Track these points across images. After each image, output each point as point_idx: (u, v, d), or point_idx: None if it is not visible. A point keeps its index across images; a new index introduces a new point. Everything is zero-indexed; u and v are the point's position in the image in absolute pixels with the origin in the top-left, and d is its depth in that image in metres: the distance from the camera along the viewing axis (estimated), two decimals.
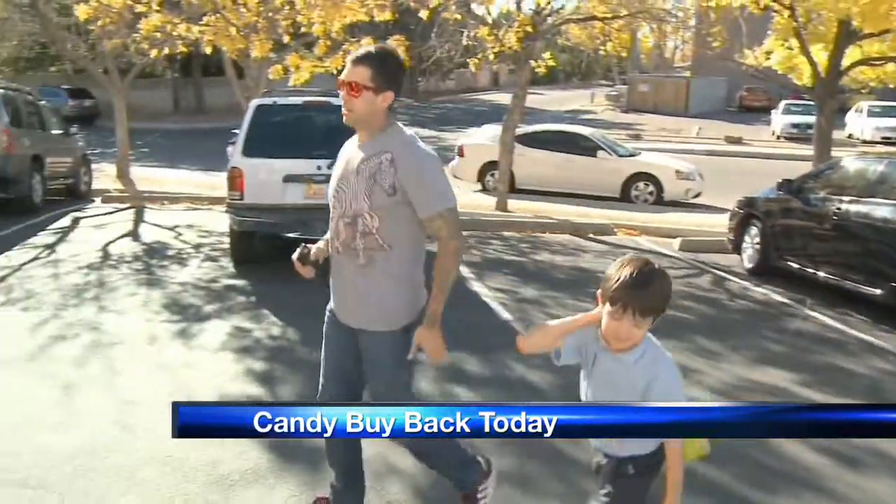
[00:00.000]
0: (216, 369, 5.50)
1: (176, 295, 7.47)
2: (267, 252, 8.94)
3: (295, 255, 3.31)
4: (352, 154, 3.13)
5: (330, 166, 8.06)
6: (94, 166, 15.36)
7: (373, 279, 3.07)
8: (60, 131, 13.93)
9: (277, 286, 7.70)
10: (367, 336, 3.14)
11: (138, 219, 12.09)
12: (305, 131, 8.58)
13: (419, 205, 2.99)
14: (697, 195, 15.86)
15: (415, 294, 3.18)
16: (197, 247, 9.89)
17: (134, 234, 10.73)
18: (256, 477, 3.90)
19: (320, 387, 3.37)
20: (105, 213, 12.64)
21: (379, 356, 3.18)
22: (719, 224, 12.00)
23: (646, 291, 2.33)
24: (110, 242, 9.99)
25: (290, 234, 8.09)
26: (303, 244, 3.34)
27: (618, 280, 2.34)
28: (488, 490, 3.44)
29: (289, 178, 8.09)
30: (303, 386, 5.10)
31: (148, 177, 16.23)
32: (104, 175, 15.97)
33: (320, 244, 3.33)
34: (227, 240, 9.15)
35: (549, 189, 15.94)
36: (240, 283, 8.11)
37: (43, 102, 14.25)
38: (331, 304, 3.31)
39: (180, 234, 10.65)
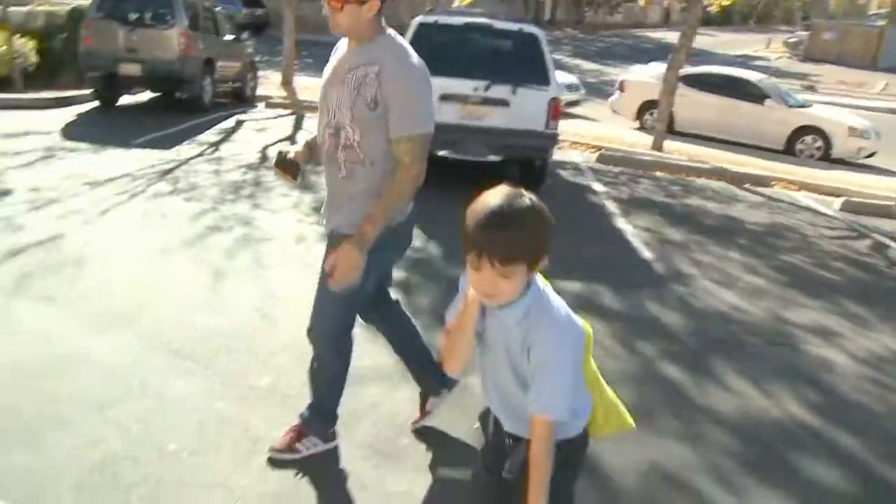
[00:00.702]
0: None
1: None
2: None
3: (274, 160, 3.18)
4: (340, 60, 2.99)
5: (487, 88, 8.24)
6: (260, 73, 15.94)
7: (351, 193, 2.97)
8: (232, 37, 14.47)
9: (425, 200, 7.81)
10: (338, 240, 2.97)
11: (297, 125, 12.51)
12: (465, 52, 8.57)
13: (392, 122, 2.83)
14: (871, 155, 14.79)
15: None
16: None
17: (292, 140, 11.09)
18: (381, 376, 4.05)
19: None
20: (267, 118, 13.13)
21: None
22: (890, 188, 11.22)
23: (505, 233, 1.80)
24: (269, 145, 10.40)
25: (440, 152, 8.21)
26: (279, 150, 3.18)
27: (473, 219, 1.84)
28: (314, 447, 3.36)
29: (445, 97, 8.12)
30: (438, 297, 5.20)
31: (310, 86, 16.66)
32: (268, 82, 16.55)
33: (300, 147, 3.19)
34: None
35: (709, 134, 15.25)
36: None
37: (218, 9, 14.81)
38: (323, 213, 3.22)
39: None
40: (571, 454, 2.12)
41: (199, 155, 9.51)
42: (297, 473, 3.24)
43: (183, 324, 4.51)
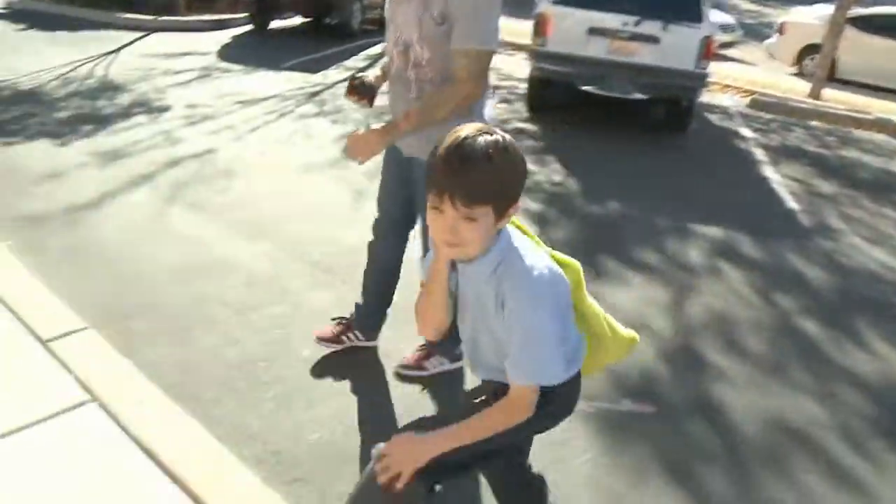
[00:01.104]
0: None
1: None
2: (560, 101, 8.97)
3: (347, 87, 3.08)
4: None
5: (637, 23, 7.99)
6: None
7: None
8: None
9: (566, 135, 7.80)
10: (417, 164, 2.93)
11: None
12: None
13: (456, 34, 2.68)
14: None
15: (479, 112, 2.92)
16: (494, 88, 10.06)
17: None
18: None
19: (375, 214, 3.38)
20: None
21: (420, 179, 2.85)
22: None
23: (469, 169, 1.60)
24: None
25: (586, 87, 8.09)
26: (352, 75, 3.12)
27: (437, 153, 1.65)
28: (440, 366, 3.41)
29: (594, 31, 7.95)
30: (574, 233, 5.19)
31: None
32: None
33: (376, 71, 3.10)
34: (524, 86, 9.30)
35: (876, 83, 14.04)
36: (530, 127, 8.24)
37: None
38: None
39: None
40: (551, 404, 1.91)
41: (346, 80, 9.69)
42: (422, 389, 3.35)
43: (323, 238, 4.71)
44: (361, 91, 3.04)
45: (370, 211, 5.17)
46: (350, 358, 3.50)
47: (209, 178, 5.59)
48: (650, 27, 7.96)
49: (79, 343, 3.32)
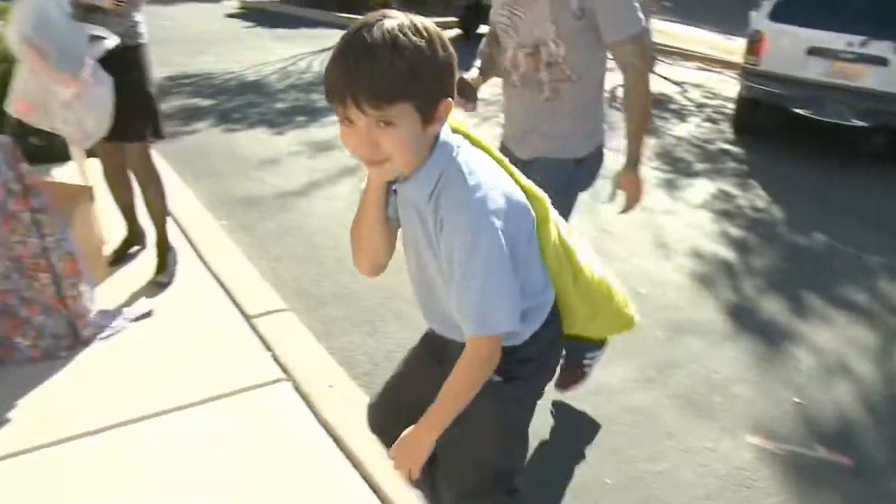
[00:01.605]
0: (693, 223, 5.52)
1: (670, 147, 7.54)
2: (769, 123, 8.55)
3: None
4: None
5: (863, 44, 7.44)
6: None
7: (558, 112, 2.71)
8: None
9: (773, 159, 7.39)
10: (540, 163, 2.76)
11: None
12: (840, 0, 7.80)
13: (608, 26, 2.54)
14: None
15: (596, 126, 2.82)
16: (700, 106, 9.75)
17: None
18: (704, 330, 3.94)
19: None
20: None
21: (542, 180, 2.86)
22: None
23: (371, 61, 1.30)
24: (616, 86, 10.30)
25: (800, 111, 7.62)
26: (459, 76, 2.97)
27: (333, 53, 1.36)
28: (594, 360, 3.17)
29: (814, 51, 7.48)
30: (775, 262, 4.91)
31: (664, 30, 16.24)
32: None
33: (473, 73, 2.92)
34: (731, 105, 8.92)
35: None
36: (735, 149, 7.90)
37: None
38: (505, 141, 2.97)
39: (686, 91, 10.59)
40: (514, 367, 1.67)
41: None
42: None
43: None
44: (466, 94, 2.88)
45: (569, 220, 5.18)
46: None
47: None
48: (879, 48, 7.38)
49: (279, 323, 3.49)
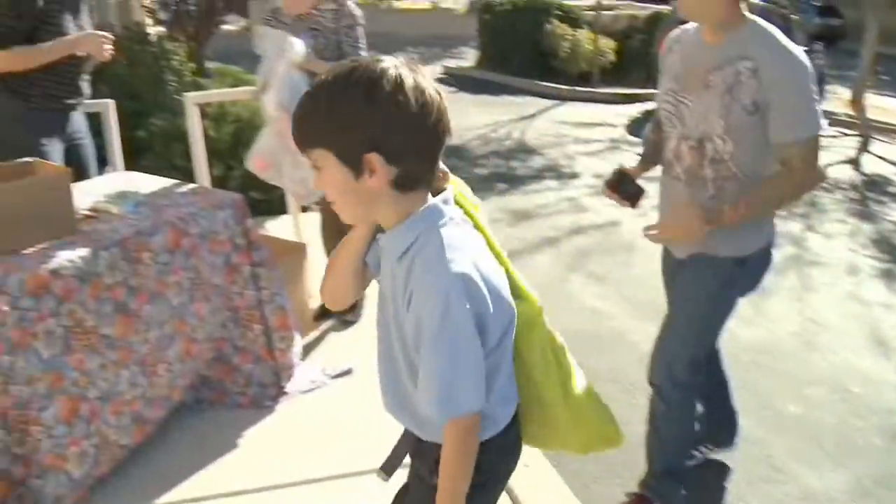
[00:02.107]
0: None
1: (888, 233, 7.02)
2: None
3: (609, 180, 2.69)
4: (693, 57, 2.47)
5: None
6: (826, 87, 15.03)
7: (723, 199, 2.45)
8: (805, 48, 13.84)
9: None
10: (695, 262, 2.58)
11: (862, 148, 11.56)
12: None
13: (778, 125, 2.31)
14: None
15: (759, 226, 2.54)
16: None
17: (854, 163, 10.30)
18: None
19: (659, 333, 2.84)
20: (828, 136, 12.33)
21: (694, 281, 2.62)
22: None
23: (301, 105, 1.36)
24: (829, 165, 9.77)
25: None
26: (618, 167, 2.68)
27: None
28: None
29: None
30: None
31: (882, 106, 15.31)
32: (834, 97, 15.55)
33: (637, 164, 2.77)
34: None
35: None
36: None
37: (794, 17, 14.26)
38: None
39: None
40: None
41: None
42: None
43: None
44: (627, 190, 2.73)
45: (772, 308, 4.92)
46: (738, 460, 3.27)
47: (611, 250, 5.69)
48: None
49: None
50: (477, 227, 1.56)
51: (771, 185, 2.42)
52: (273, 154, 3.73)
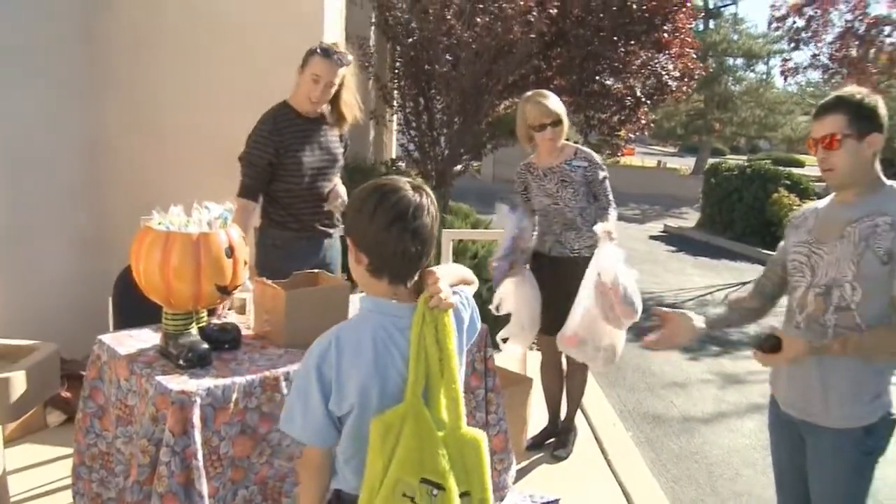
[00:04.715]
0: None
1: None
2: None
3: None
4: (830, 216, 2.54)
5: None
6: None
7: (840, 363, 2.40)
8: None
9: None
10: (818, 432, 2.50)
11: None
12: None
13: None
14: None
15: (885, 386, 2.46)
16: None
17: None
18: None
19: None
20: None
21: (828, 458, 2.51)
22: None
23: None
24: None
25: None
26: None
27: None
28: None
29: None
30: None
31: None
32: None
33: (707, 320, 2.72)
34: None
35: None
36: None
37: None
38: (774, 393, 2.68)
39: None
40: None
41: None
42: None
43: None
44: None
45: None
46: None
47: None
48: None
49: None
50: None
51: (885, 332, 2.38)
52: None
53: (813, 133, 2.50)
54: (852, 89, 2.52)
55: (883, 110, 2.47)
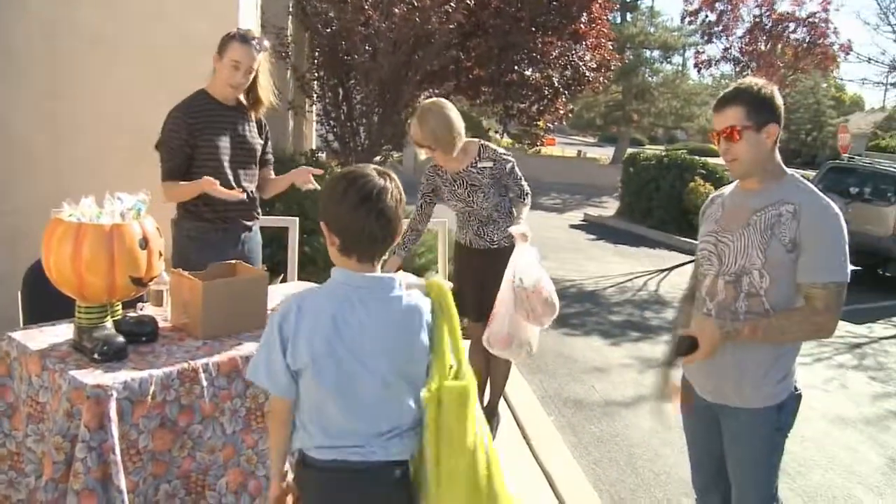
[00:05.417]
0: None
1: None
2: None
3: (679, 352, 2.56)
4: (735, 204, 2.67)
5: None
6: None
7: (749, 347, 2.55)
8: None
9: None
10: (734, 413, 2.65)
11: None
12: None
13: (805, 266, 2.47)
14: None
15: (792, 366, 2.65)
16: None
17: None
18: None
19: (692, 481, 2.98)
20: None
21: (745, 437, 2.66)
22: None
23: None
24: None
25: None
26: (681, 334, 2.57)
27: None
28: None
29: None
30: None
31: None
32: None
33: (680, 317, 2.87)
34: None
35: None
36: None
37: None
38: (689, 379, 2.81)
39: None
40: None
41: (894, 337, 9.16)
42: None
43: (844, 496, 4.50)
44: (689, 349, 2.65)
45: None
46: None
47: None
48: None
49: None
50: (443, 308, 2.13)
51: (791, 316, 2.51)
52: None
53: (715, 125, 2.60)
54: (749, 81, 2.62)
55: (779, 100, 2.58)
